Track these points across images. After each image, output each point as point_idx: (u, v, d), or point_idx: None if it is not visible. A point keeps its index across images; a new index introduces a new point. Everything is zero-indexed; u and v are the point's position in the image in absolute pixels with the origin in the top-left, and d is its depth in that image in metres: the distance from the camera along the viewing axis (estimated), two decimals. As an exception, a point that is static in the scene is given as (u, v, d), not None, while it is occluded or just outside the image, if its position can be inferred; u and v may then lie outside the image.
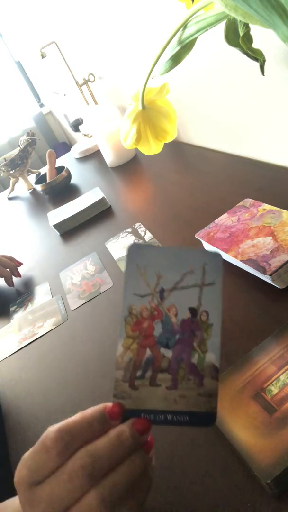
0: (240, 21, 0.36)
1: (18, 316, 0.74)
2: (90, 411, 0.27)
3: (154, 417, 0.29)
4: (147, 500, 0.28)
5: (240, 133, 0.82)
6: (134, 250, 0.31)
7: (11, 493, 0.32)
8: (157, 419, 0.29)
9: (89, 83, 1.42)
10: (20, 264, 0.87)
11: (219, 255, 0.30)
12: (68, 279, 0.76)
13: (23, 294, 0.80)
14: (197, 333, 0.30)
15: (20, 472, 0.26)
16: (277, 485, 0.31)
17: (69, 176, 1.23)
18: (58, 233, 0.95)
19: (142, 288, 0.31)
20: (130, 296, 0.30)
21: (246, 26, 0.36)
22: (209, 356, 0.30)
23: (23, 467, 0.26)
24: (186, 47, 0.42)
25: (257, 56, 0.39)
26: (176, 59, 0.43)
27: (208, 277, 0.31)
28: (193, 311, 0.31)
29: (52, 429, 0.26)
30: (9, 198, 1.49)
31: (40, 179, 1.28)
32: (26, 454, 0.26)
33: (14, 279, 0.86)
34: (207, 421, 0.29)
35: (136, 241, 0.75)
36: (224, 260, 0.57)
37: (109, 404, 0.28)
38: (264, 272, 0.47)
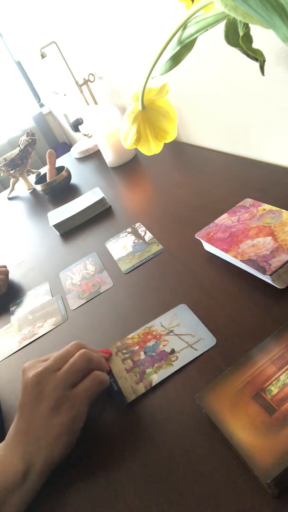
0: (240, 21, 0.36)
1: (18, 316, 0.74)
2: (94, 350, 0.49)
3: (111, 372, 0.49)
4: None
5: (240, 133, 0.82)
6: (182, 309, 0.52)
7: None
8: (111, 374, 0.49)
9: (89, 83, 1.42)
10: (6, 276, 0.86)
11: (215, 343, 0.45)
12: (68, 279, 0.76)
13: (23, 294, 0.80)
14: (162, 362, 0.47)
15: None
16: (277, 485, 0.31)
17: (69, 176, 1.23)
18: (58, 233, 0.95)
19: (165, 322, 0.51)
20: (157, 322, 0.52)
21: (246, 26, 0.36)
22: (154, 377, 0.45)
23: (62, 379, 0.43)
24: (186, 47, 0.42)
25: (257, 56, 0.39)
26: (176, 59, 0.43)
27: (197, 345, 0.46)
28: (172, 351, 0.47)
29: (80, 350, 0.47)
30: (9, 198, 1.49)
31: (40, 179, 1.28)
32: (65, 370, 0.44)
33: (14, 277, 0.86)
34: (121, 403, 0.45)
35: (137, 241, 0.75)
36: (224, 260, 0.57)
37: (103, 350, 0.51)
38: (264, 272, 0.47)
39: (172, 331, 0.49)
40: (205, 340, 0.46)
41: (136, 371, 0.47)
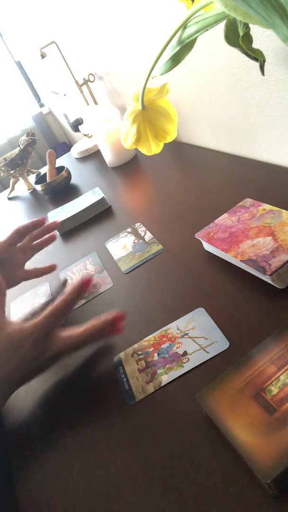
0: (240, 21, 0.36)
1: (18, 317, 0.74)
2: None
3: (124, 372, 0.50)
4: None
5: (240, 133, 0.82)
6: (200, 312, 0.52)
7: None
8: (124, 373, 0.50)
9: (89, 83, 1.42)
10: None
11: (227, 346, 0.46)
12: (68, 279, 0.76)
13: (23, 294, 0.80)
14: (173, 363, 0.47)
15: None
16: (277, 485, 0.31)
17: (69, 176, 1.23)
18: (58, 233, 0.95)
19: (181, 325, 0.52)
20: (174, 325, 0.52)
21: (246, 26, 0.36)
22: (164, 377, 0.46)
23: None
24: (186, 47, 0.42)
25: (257, 56, 0.39)
26: (176, 59, 0.43)
27: (209, 347, 0.47)
28: (185, 353, 0.48)
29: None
30: (9, 198, 1.48)
31: (40, 179, 1.28)
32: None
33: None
34: (130, 401, 0.46)
35: (137, 241, 0.75)
36: (224, 260, 0.57)
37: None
38: (264, 272, 0.47)
39: (187, 333, 0.50)
40: (218, 343, 0.46)
41: (148, 371, 0.48)
